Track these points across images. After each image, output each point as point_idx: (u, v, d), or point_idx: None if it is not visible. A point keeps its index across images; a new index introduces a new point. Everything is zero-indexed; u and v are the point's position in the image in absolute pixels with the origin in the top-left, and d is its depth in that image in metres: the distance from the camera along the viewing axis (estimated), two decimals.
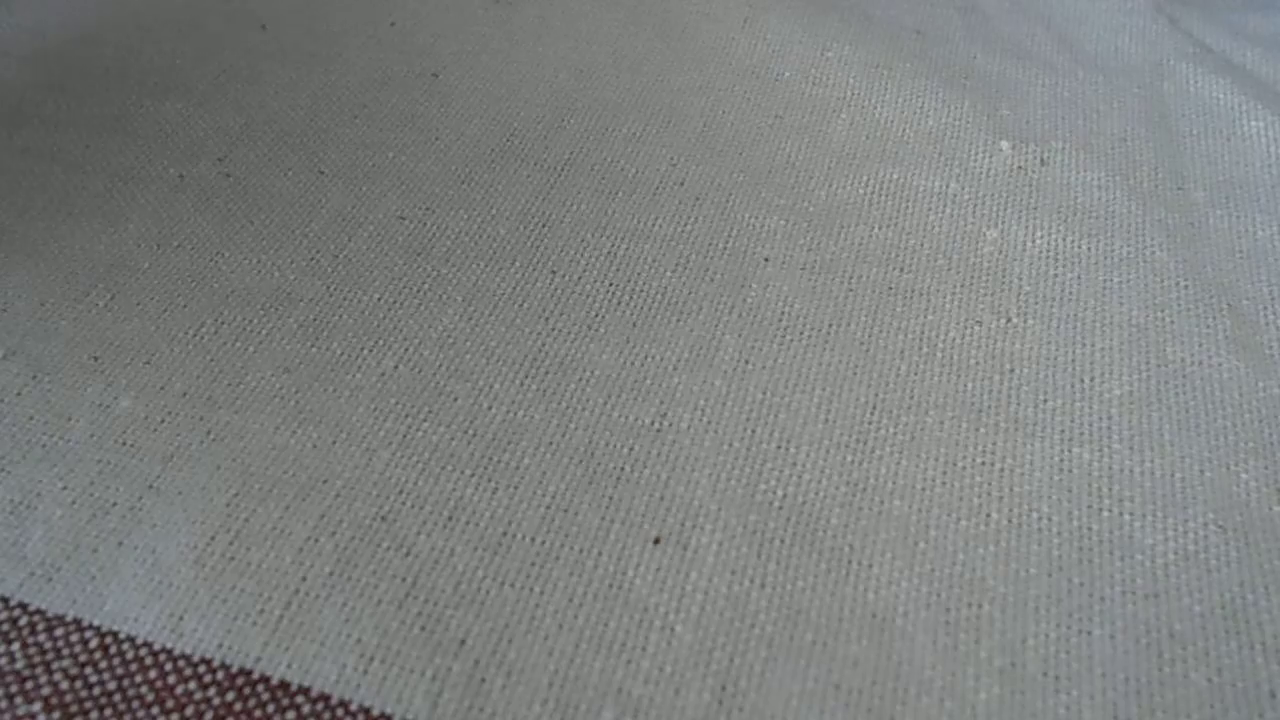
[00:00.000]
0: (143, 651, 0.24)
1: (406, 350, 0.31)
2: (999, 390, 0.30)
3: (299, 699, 0.24)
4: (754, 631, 0.25)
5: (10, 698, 0.23)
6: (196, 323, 0.31)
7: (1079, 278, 0.34)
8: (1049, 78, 0.42)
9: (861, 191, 0.37)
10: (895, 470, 0.28)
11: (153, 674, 0.24)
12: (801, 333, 0.32)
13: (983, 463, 0.28)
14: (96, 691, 0.23)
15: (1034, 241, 0.35)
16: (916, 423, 0.29)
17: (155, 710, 0.23)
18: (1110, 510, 0.27)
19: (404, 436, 0.28)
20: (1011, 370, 0.31)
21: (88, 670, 0.24)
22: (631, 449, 0.28)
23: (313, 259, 0.33)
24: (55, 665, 0.24)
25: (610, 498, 0.27)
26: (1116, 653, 0.25)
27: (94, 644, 0.24)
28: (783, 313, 0.32)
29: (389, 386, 0.30)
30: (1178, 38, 0.44)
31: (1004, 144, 0.39)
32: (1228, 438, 0.29)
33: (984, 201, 0.36)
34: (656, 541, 0.26)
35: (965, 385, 0.30)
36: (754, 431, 0.29)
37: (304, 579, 0.25)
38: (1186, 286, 0.33)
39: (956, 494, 0.28)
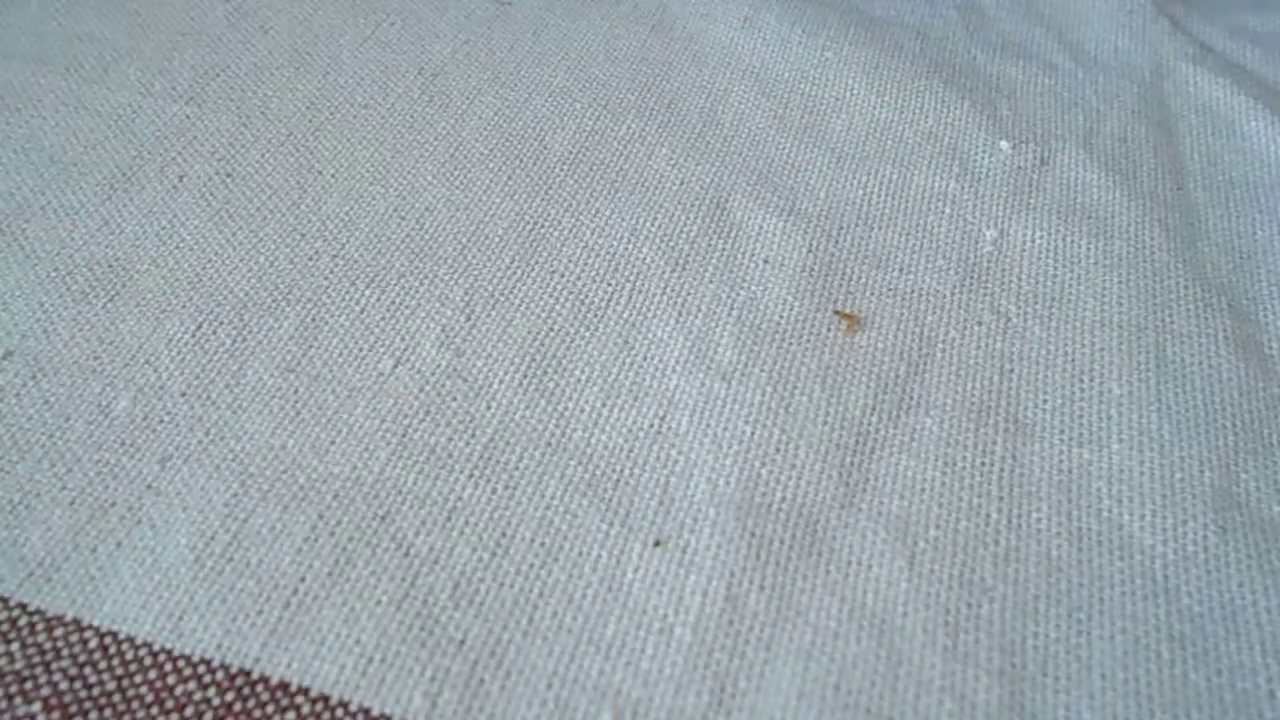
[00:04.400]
0: (142, 652, 0.24)
1: (405, 350, 0.31)
2: (999, 390, 0.30)
3: (299, 699, 0.24)
4: (753, 633, 0.25)
5: (10, 698, 0.23)
6: (196, 323, 0.31)
7: (1079, 278, 0.34)
8: (1049, 78, 0.42)
9: (861, 191, 0.37)
10: (895, 470, 0.28)
11: (152, 674, 0.24)
12: (801, 333, 0.32)
13: (982, 463, 0.28)
14: (96, 692, 0.23)
15: (1034, 241, 0.35)
16: (916, 423, 0.29)
17: (155, 710, 0.23)
18: (1110, 510, 0.27)
19: (402, 436, 0.28)
20: (1011, 370, 0.31)
21: (87, 670, 0.24)
22: (630, 450, 0.28)
23: (312, 259, 0.33)
24: (55, 665, 0.24)
25: (609, 499, 0.27)
26: (1116, 653, 0.25)
27: (93, 644, 0.24)
28: (782, 314, 0.32)
29: (388, 386, 0.30)
30: (1178, 38, 0.44)
31: (1004, 144, 0.39)
32: (1228, 438, 0.29)
33: (984, 201, 0.36)
34: (656, 544, 0.26)
35: (965, 385, 0.30)
36: (753, 433, 0.29)
37: (303, 579, 0.25)
38: (1186, 286, 0.33)
39: (956, 494, 0.28)
